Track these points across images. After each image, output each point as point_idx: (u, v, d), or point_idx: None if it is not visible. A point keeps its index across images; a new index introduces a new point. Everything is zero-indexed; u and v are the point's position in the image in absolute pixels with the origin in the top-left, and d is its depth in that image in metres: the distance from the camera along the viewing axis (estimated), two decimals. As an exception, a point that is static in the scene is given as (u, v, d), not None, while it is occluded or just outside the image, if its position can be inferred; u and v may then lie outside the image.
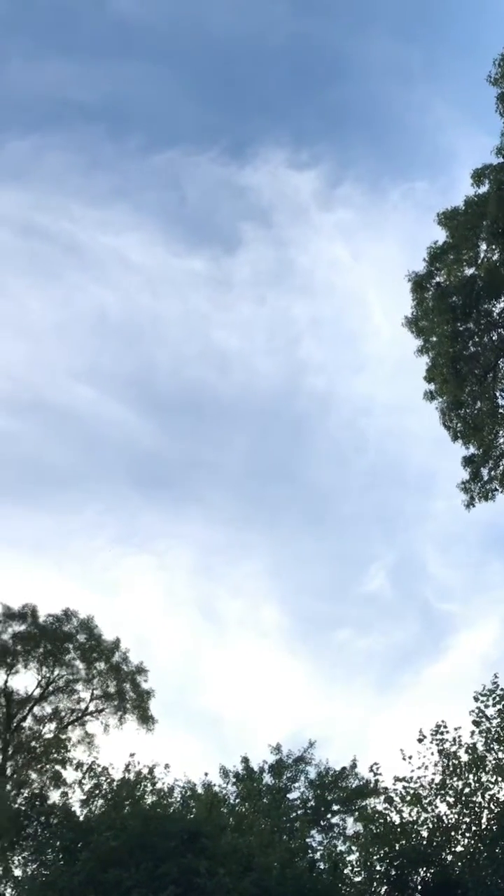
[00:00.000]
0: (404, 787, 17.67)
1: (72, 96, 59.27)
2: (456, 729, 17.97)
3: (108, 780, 18.67)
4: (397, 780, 17.72)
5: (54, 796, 26.67)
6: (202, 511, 52.91)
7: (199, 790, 20.86)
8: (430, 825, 17.27)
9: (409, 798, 17.52)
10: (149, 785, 18.63)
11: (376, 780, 18.64)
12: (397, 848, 17.08)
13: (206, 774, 22.00)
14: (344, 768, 25.14)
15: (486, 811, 17.31)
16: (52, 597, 39.02)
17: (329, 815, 24.43)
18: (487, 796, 17.43)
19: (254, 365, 58.39)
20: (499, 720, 17.95)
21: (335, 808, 24.54)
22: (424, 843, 17.05)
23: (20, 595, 35.80)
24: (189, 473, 55.09)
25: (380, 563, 50.97)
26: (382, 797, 18.21)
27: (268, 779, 25.08)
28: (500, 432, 22.15)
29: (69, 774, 30.30)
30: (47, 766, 30.99)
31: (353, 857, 17.92)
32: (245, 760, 25.24)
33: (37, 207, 57.45)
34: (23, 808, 20.56)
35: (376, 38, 60.35)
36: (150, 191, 60.80)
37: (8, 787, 28.54)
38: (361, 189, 60.96)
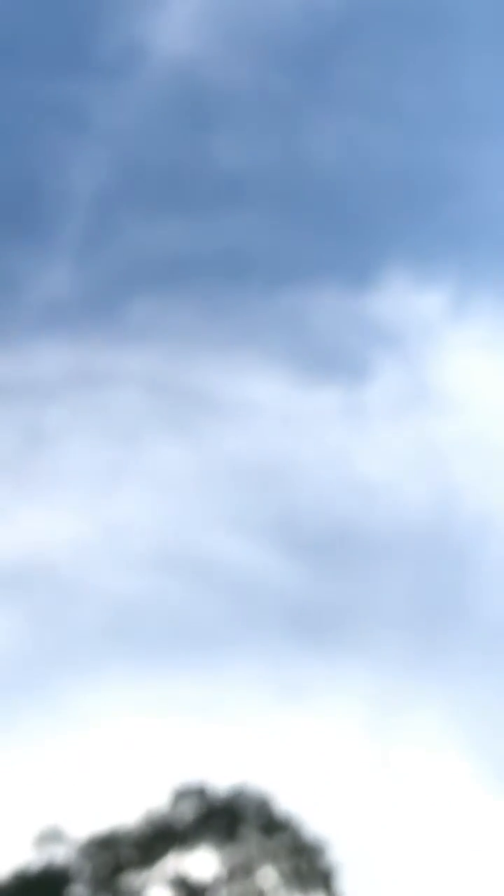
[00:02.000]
0: None
1: (188, 251, 61.63)
2: None
3: None
4: None
5: None
6: (367, 657, 50.98)
7: None
8: None
9: None
10: None
11: None
12: None
13: None
14: None
15: None
16: (220, 764, 37.81)
17: None
18: None
19: (402, 494, 57.20)
20: None
21: None
22: None
23: (187, 765, 34.91)
24: (347, 617, 53.50)
25: None
26: None
27: None
28: None
29: None
30: None
31: None
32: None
33: (165, 363, 59.11)
34: None
35: (486, 150, 60.98)
36: (276, 331, 61.85)
37: None
38: (493, 299, 60.45)
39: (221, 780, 32.04)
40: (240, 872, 31.28)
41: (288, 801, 31.96)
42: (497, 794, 43.64)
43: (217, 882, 31.00)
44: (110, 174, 62.95)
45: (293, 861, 31.31)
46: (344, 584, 54.92)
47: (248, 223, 62.89)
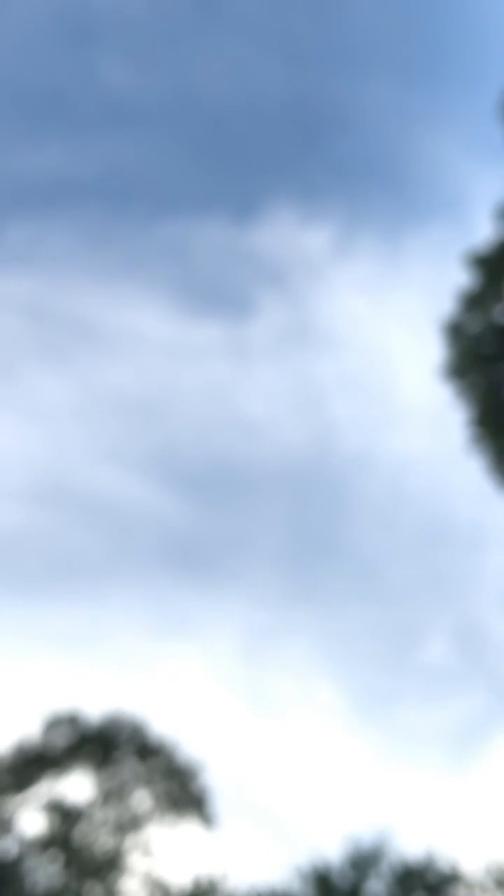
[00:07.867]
0: (491, 871, 17.24)
1: (69, 175, 60.66)
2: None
3: (175, 891, 18.36)
4: (483, 864, 17.33)
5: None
6: (243, 590, 52.55)
7: (272, 892, 20.43)
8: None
9: (498, 882, 17.09)
10: (218, 893, 18.28)
11: (460, 866, 18.18)
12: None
13: (276, 876, 21.61)
14: (423, 856, 24.53)
15: None
16: (96, 694, 38.73)
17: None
18: None
19: (281, 430, 58.49)
20: None
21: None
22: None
23: (64, 696, 35.66)
24: (225, 551, 54.87)
25: (437, 628, 50.17)
26: (469, 884, 17.75)
27: (341, 874, 24.52)
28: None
29: (131, 886, 29.78)
30: (107, 879, 30.48)
31: None
32: (315, 856, 24.77)
33: (43, 291, 58.50)
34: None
35: (375, 86, 61.59)
36: (158, 263, 61.77)
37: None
38: (376, 239, 61.55)
39: (97, 709, 32.83)
40: (114, 796, 32.27)
41: (163, 728, 33.03)
42: (358, 717, 46.00)
43: (92, 805, 31.95)
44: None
45: (167, 784, 32.40)
46: (222, 518, 56.17)
47: (132, 149, 62.20)
